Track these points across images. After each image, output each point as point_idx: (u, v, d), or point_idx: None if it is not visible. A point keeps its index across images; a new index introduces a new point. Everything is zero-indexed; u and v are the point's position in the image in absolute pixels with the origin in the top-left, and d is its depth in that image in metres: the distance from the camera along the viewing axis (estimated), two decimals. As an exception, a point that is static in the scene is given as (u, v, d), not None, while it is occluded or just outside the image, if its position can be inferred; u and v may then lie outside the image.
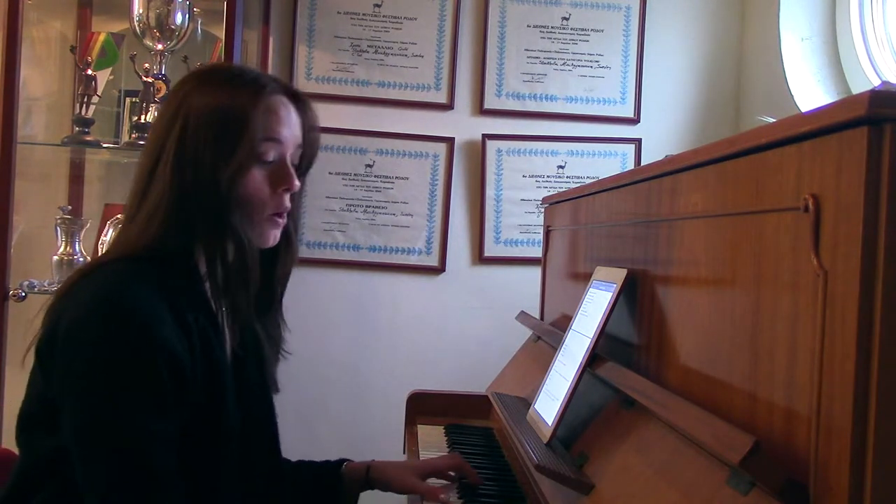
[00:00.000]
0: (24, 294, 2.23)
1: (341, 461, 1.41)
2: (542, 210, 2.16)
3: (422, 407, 1.91)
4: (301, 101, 1.21)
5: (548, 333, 1.74)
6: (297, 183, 1.17)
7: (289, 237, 1.23)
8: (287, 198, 1.17)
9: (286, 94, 1.18)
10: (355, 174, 2.67)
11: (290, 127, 1.17)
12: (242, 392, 1.19)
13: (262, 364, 1.27)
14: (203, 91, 1.13)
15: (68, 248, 2.34)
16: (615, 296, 1.26)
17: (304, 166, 1.23)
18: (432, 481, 1.40)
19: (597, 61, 2.72)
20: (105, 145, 2.43)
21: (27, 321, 1.14)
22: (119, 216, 2.17)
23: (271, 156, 1.14)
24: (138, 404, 1.00)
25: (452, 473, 1.42)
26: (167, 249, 1.10)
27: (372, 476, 1.37)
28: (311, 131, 1.22)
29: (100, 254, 1.19)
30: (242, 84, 1.14)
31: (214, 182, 1.09)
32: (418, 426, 1.83)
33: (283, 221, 1.18)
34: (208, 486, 1.09)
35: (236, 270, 1.13)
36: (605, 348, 1.32)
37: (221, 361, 1.14)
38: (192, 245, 1.13)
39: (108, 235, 2.34)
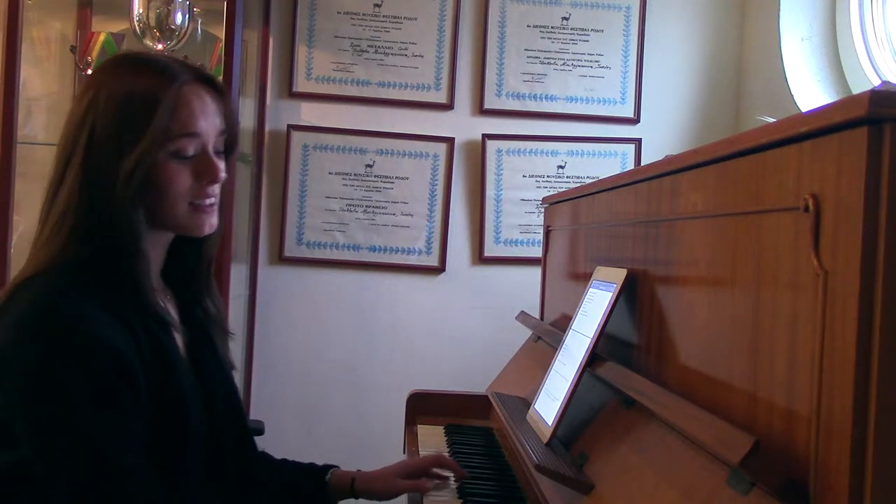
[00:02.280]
0: (24, 294, 2.23)
1: (327, 468, 1.40)
2: (542, 210, 2.16)
3: (422, 407, 1.91)
4: (216, 86, 1.16)
5: (548, 333, 1.74)
6: (222, 174, 1.15)
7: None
8: (214, 188, 1.14)
9: (199, 82, 1.13)
10: (355, 174, 2.67)
11: (208, 116, 1.12)
12: (203, 378, 1.18)
13: (214, 347, 1.26)
14: (111, 83, 1.10)
15: (68, 248, 2.33)
16: (615, 296, 1.26)
17: (228, 151, 1.20)
18: None
19: (597, 61, 2.72)
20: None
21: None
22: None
23: (191, 150, 1.11)
24: (90, 406, 0.99)
25: (436, 470, 1.41)
26: (87, 251, 1.07)
27: (357, 487, 1.36)
28: (230, 115, 1.18)
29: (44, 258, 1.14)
30: (150, 73, 1.10)
31: (117, 175, 1.06)
32: (418, 426, 1.83)
33: (212, 210, 1.15)
34: (179, 476, 1.09)
35: (127, 268, 1.09)
36: (605, 348, 1.32)
37: (172, 352, 1.12)
38: (118, 242, 1.08)
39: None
